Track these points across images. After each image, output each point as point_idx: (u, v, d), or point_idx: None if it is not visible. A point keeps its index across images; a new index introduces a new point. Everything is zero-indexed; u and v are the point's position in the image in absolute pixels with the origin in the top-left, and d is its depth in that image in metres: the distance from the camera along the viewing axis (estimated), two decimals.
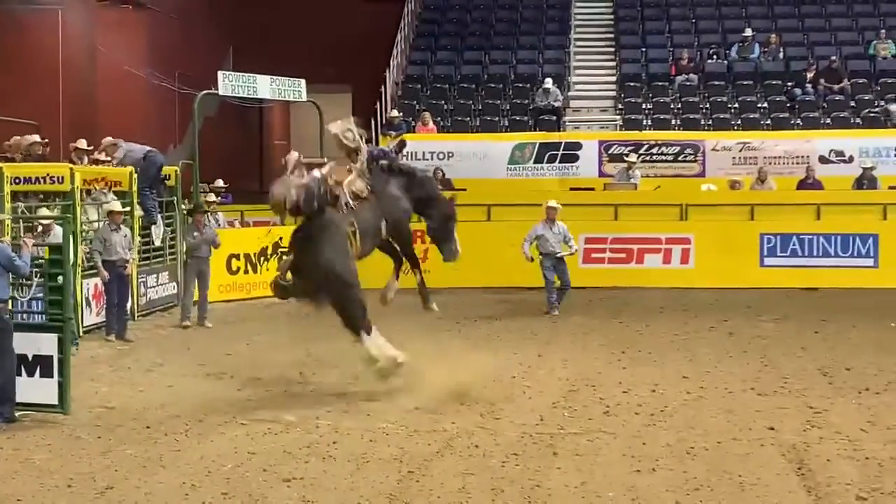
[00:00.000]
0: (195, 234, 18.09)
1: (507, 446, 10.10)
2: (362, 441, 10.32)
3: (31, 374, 11.20)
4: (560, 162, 25.61)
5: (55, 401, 11.19)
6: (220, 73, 21.32)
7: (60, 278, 11.39)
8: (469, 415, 11.41)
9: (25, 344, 11.15)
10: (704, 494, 8.66)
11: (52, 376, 11.18)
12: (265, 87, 21.79)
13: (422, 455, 9.80)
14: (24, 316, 12.27)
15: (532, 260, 18.99)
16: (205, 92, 21.34)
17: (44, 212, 15.51)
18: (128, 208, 17.53)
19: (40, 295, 11.92)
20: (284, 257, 13.74)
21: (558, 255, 18.89)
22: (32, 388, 11.16)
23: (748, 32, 28.94)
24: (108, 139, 19.03)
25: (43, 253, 11.78)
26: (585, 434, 10.58)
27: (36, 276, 11.67)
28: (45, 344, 11.24)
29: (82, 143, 18.40)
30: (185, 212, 19.62)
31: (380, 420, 11.16)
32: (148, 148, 18.90)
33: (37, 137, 18.11)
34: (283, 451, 9.95)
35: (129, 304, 17.04)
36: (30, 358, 11.20)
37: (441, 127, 26.80)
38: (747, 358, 14.68)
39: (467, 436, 10.49)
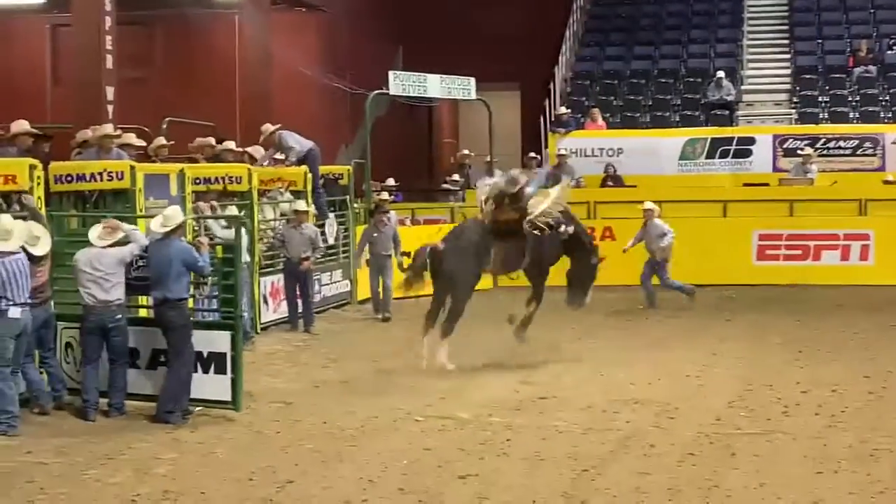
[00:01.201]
0: (375, 234, 18.48)
1: (683, 446, 9.98)
2: (536, 439, 10.32)
3: (206, 370, 11.48)
4: (733, 157, 25.17)
5: (228, 397, 11.44)
6: (390, 73, 21.58)
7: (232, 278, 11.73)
8: (644, 414, 11.31)
9: (201, 341, 11.45)
10: (890, 498, 8.42)
11: (225, 373, 11.43)
12: (435, 86, 21.97)
13: (596, 454, 9.75)
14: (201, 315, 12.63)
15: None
16: (376, 92, 21.62)
17: (231, 210, 15.86)
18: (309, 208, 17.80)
19: (215, 294, 12.28)
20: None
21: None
22: (207, 385, 11.43)
23: None
24: (268, 126, 19.18)
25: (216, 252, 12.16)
26: (764, 435, 10.38)
27: (212, 276, 12.01)
28: (219, 341, 11.49)
29: (230, 145, 18.57)
30: (368, 211, 19.91)
31: (553, 418, 11.14)
32: (311, 142, 19.17)
33: (231, 144, 18.46)
34: (458, 448, 10.00)
35: (312, 299, 17.33)
36: (205, 355, 11.48)
37: (610, 123, 26.61)
38: None
39: (642, 435, 10.40)
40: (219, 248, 12.50)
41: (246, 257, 14.18)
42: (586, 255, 14.74)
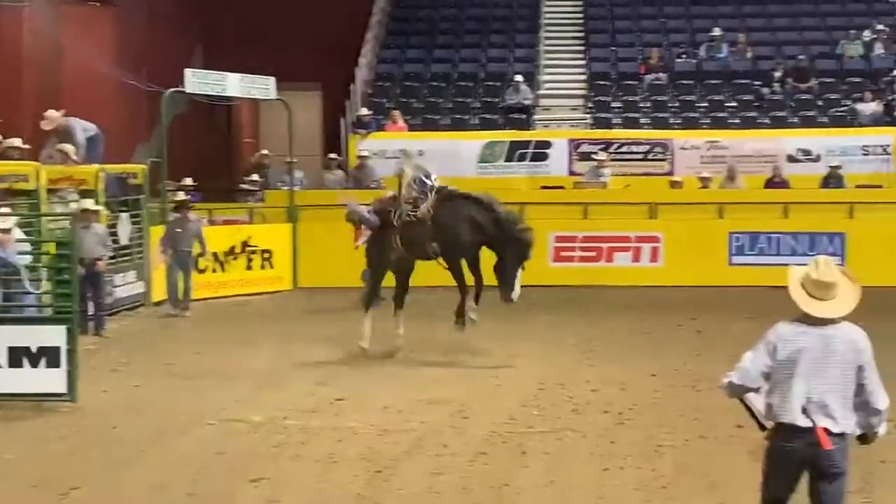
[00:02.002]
0: (178, 229, 18.51)
1: (476, 445, 10.11)
2: (331, 441, 10.31)
3: (35, 365, 11.51)
4: (530, 160, 25.58)
5: (62, 389, 11.57)
6: (187, 71, 21.19)
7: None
8: (439, 414, 11.41)
9: (28, 337, 11.54)
10: (672, 492, 8.69)
11: (58, 366, 11.53)
12: (234, 85, 21.68)
13: (390, 454, 9.79)
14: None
15: None
16: (172, 90, 21.22)
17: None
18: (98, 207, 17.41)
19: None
20: None
21: None
22: (39, 379, 11.50)
23: (717, 32, 28.97)
24: (53, 112, 18.64)
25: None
26: (554, 433, 10.60)
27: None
28: (53, 335, 11.60)
29: (16, 142, 18.03)
30: (173, 206, 19.69)
31: (349, 420, 11.15)
32: (95, 126, 18.82)
33: (18, 142, 17.87)
34: (250, 452, 9.92)
35: (105, 301, 17.05)
36: (34, 350, 11.51)
37: (411, 125, 26.71)
38: (715, 356, 14.66)
39: (436, 435, 10.49)
40: (51, 245, 12.64)
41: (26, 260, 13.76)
42: (509, 245, 14.67)
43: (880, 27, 28.78)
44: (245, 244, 21.18)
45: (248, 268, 21.28)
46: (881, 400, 6.33)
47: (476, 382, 13.05)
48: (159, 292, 19.41)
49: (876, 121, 25.81)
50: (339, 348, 15.23)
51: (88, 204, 16.83)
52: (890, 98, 26.43)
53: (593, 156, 24.64)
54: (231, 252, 20.90)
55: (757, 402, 6.55)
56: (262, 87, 22.13)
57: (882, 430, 6.43)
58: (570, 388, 12.66)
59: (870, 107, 26.03)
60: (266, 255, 21.55)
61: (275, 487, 8.84)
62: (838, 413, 6.24)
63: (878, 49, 28.38)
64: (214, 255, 20.05)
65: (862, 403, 6.31)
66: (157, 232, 19.66)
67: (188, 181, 22.10)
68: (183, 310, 18.65)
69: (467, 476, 9.14)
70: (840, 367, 6.25)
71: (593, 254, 22.29)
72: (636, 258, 22.10)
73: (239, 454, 9.82)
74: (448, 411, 11.49)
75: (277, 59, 26.26)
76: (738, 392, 6.56)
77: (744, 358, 6.55)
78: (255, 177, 24.27)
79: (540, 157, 25.51)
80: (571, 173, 25.05)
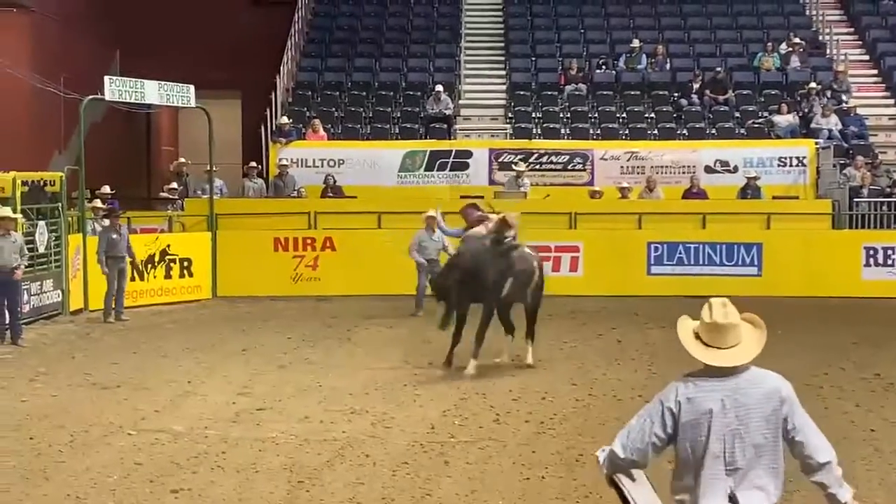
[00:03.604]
0: (114, 236, 18.84)
1: (398, 455, 10.09)
2: (252, 451, 10.23)
3: None
4: (451, 170, 25.65)
5: None
6: (106, 78, 20.96)
7: None
8: (360, 424, 11.38)
9: None
10: (593, 501, 8.73)
11: None
12: (153, 92, 21.47)
13: (312, 464, 9.75)
14: None
15: (418, 265, 19.42)
16: (91, 97, 20.97)
17: None
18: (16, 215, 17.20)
19: None
20: None
21: (436, 259, 19.24)
22: None
23: (636, 43, 29.31)
24: None
25: None
26: (476, 442, 10.61)
27: None
28: None
29: None
30: (101, 215, 20.05)
31: (270, 429, 11.07)
32: None
33: None
34: (171, 462, 9.81)
35: (21, 310, 16.89)
36: None
37: (331, 134, 26.67)
38: (635, 365, 14.86)
39: (358, 445, 10.45)
40: None
41: None
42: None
43: (796, 40, 29.32)
44: (164, 253, 21.01)
45: (168, 276, 21.12)
46: (823, 452, 5.14)
47: (397, 393, 13.02)
48: (77, 301, 19.21)
49: (792, 133, 26.25)
50: (259, 358, 15.16)
51: (6, 212, 16.63)
52: (806, 110, 26.90)
53: (513, 166, 24.78)
54: (150, 261, 20.72)
55: (637, 494, 5.20)
56: (181, 94, 21.93)
57: (845, 494, 5.23)
58: (492, 398, 12.69)
59: (786, 119, 26.47)
60: (185, 264, 21.40)
61: (195, 498, 8.76)
62: (770, 486, 5.11)
63: (794, 62, 28.88)
64: (133, 263, 19.85)
65: (804, 465, 5.17)
66: (75, 240, 19.45)
67: (106, 189, 21.87)
68: (118, 314, 18.85)
69: (389, 486, 9.13)
70: (762, 426, 5.07)
71: None
72: (556, 268, 22.19)
73: (159, 464, 9.72)
74: (369, 421, 11.47)
75: (197, 67, 26.15)
76: (619, 468, 5.20)
77: (628, 426, 5.21)
78: (174, 185, 24.07)
79: (460, 166, 25.59)
80: (492, 183, 25.15)
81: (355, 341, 16.95)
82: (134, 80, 21.32)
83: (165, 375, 13.93)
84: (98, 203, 20.57)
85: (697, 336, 5.20)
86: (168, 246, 21.22)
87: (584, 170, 25.51)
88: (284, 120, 26.08)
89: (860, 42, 30.66)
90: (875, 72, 29.60)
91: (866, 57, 30.14)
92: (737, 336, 5.18)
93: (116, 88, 20.91)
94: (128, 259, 19.21)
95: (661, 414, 5.09)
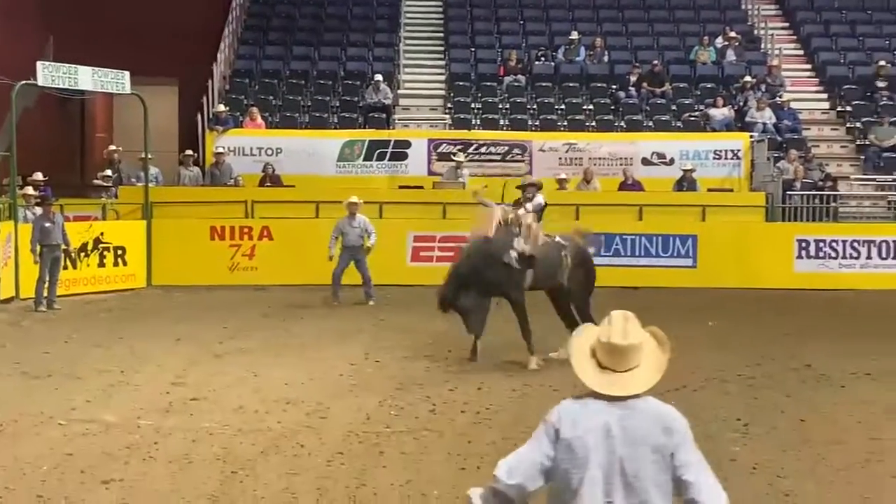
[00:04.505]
0: (47, 224, 18.63)
1: (333, 445, 10.05)
2: (185, 441, 10.14)
3: None
4: (389, 160, 25.58)
5: None
6: (39, 64, 20.67)
7: None
8: (295, 414, 11.32)
9: None
10: None
11: None
12: (87, 78, 21.19)
13: (246, 455, 9.68)
14: None
15: (332, 258, 19.52)
16: (22, 83, 20.68)
17: None
18: None
19: None
20: None
21: (358, 246, 19.62)
22: None
23: (574, 35, 29.43)
24: None
25: None
26: (411, 433, 10.60)
27: None
28: None
29: None
30: (33, 202, 19.84)
31: (203, 420, 10.98)
32: None
33: None
34: (102, 453, 9.70)
35: None
36: None
37: (269, 123, 26.51)
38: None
39: (293, 435, 10.40)
40: None
41: None
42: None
43: (732, 34, 29.59)
44: (98, 241, 20.78)
45: (101, 265, 20.89)
46: (713, 497, 4.57)
47: (332, 383, 12.98)
48: (8, 289, 18.97)
49: (727, 126, 26.49)
50: (193, 347, 15.03)
51: None
52: (741, 104, 27.15)
53: (452, 156, 24.76)
54: (83, 249, 20.48)
55: None
56: (115, 80, 21.68)
57: None
58: (428, 388, 12.67)
59: (722, 112, 26.70)
60: (119, 253, 21.19)
61: (127, 489, 8.67)
62: None
63: (730, 56, 29.14)
64: (66, 251, 19.61)
65: None
66: (6, 228, 19.19)
67: (38, 176, 21.58)
68: (51, 303, 18.70)
69: (324, 476, 9.09)
70: (649, 458, 4.57)
71: (451, 254, 22.30)
72: None
73: (90, 455, 9.60)
74: (305, 411, 11.41)
75: (133, 53, 25.86)
76: (509, 496, 4.63)
77: (514, 452, 4.72)
78: (107, 172, 23.80)
79: (399, 156, 25.54)
80: (430, 173, 25.13)
81: (292, 331, 16.86)
82: (67, 65, 21.06)
83: (98, 365, 13.77)
84: (30, 190, 20.29)
85: (593, 353, 4.69)
86: (102, 234, 20.99)
87: (523, 161, 25.54)
88: (221, 108, 25.87)
89: (795, 37, 31.02)
90: (809, 66, 29.98)
91: (801, 52, 30.51)
92: (637, 357, 4.65)
93: (49, 74, 20.63)
94: (62, 247, 18.95)
95: (546, 434, 4.63)
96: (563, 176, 24.13)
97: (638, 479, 4.53)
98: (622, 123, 27.27)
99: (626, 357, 4.61)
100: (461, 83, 28.74)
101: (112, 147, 25.31)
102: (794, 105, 27.46)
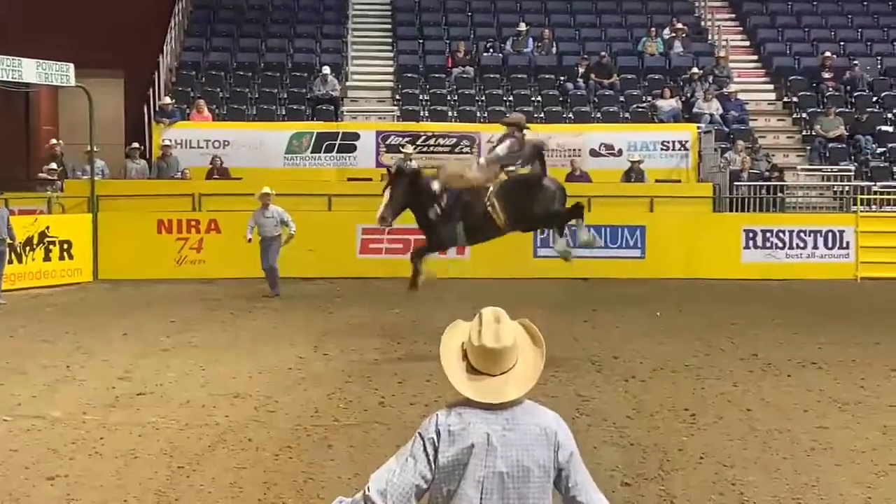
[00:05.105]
0: None
1: (281, 439, 10.00)
2: (131, 436, 10.06)
3: None
4: (338, 152, 25.50)
5: None
6: None
7: None
8: (243, 408, 11.26)
9: None
10: None
11: None
12: (31, 71, 20.96)
13: (193, 450, 9.62)
14: None
15: (250, 241, 19.45)
16: None
17: None
18: None
19: None
20: None
21: (275, 236, 19.47)
22: None
23: (522, 27, 29.46)
24: None
25: None
26: (360, 425, 10.58)
27: None
28: None
29: None
30: None
31: (150, 414, 10.90)
32: None
33: None
34: (48, 448, 9.61)
35: None
36: None
37: (216, 115, 26.35)
38: None
39: (241, 429, 10.35)
40: None
41: None
42: None
43: (679, 26, 29.74)
44: (43, 235, 20.57)
45: (47, 259, 20.69)
46: None
47: (281, 376, 12.92)
48: None
49: (675, 117, 26.63)
50: (140, 342, 14.93)
51: None
52: (688, 95, 27.29)
53: (401, 148, 24.75)
54: (28, 243, 20.26)
55: None
56: (60, 73, 21.45)
57: None
58: (377, 381, 12.65)
59: (669, 103, 26.84)
60: (65, 247, 21.00)
61: (72, 485, 8.59)
62: None
63: (678, 47, 29.28)
64: (11, 245, 19.38)
65: None
66: None
67: None
68: None
69: (272, 470, 9.05)
70: (533, 472, 4.18)
71: (400, 246, 22.27)
72: (442, 251, 22.15)
73: (35, 451, 9.51)
74: (252, 405, 11.35)
75: (78, 45, 25.57)
76: None
77: (385, 468, 4.30)
78: (52, 165, 23.56)
79: (347, 148, 25.47)
80: (379, 165, 25.06)
81: (240, 325, 16.78)
82: (11, 58, 20.80)
83: (43, 360, 13.63)
84: None
85: (465, 354, 4.29)
86: (47, 228, 20.79)
87: (472, 152, 25.53)
88: (167, 100, 25.69)
89: (741, 28, 31.22)
90: (755, 58, 30.19)
91: (747, 43, 30.71)
92: (512, 357, 4.24)
93: None
94: (7, 241, 18.71)
95: (424, 450, 4.19)
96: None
97: (521, 497, 4.16)
98: (570, 115, 27.33)
99: (500, 360, 4.22)
100: (409, 75, 28.68)
101: (54, 140, 25.06)
102: (740, 96, 27.65)
